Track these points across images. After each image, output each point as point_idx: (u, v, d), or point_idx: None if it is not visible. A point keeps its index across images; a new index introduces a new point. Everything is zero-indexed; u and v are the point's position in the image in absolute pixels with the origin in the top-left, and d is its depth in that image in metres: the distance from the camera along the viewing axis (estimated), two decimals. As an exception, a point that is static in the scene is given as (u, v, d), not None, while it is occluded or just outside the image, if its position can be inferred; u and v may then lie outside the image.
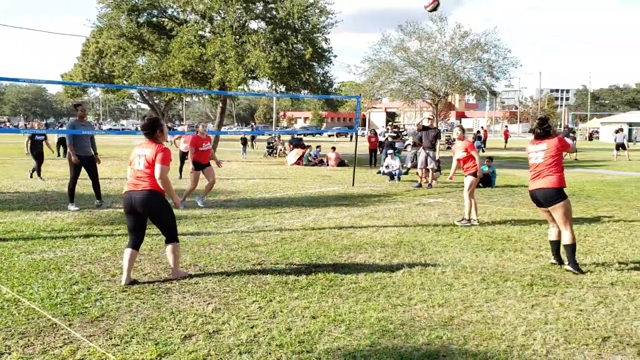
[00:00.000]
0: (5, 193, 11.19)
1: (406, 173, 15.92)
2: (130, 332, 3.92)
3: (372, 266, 5.78)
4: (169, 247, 5.19)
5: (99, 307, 4.44)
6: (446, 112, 45.27)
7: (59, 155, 22.04)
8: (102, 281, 5.13)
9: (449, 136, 41.48)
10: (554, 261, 5.93)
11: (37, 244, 6.59)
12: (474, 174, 8.41)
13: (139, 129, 5.94)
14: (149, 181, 5.02)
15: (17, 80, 10.30)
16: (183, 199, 9.63)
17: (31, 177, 13.77)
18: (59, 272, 5.41)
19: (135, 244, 5.14)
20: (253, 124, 71.38)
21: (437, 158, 13.42)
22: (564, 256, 5.81)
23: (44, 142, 14.07)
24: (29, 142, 13.92)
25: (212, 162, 10.30)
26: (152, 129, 5.16)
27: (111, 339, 3.82)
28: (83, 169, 9.44)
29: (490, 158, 14.75)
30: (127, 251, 5.08)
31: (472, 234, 7.53)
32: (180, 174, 14.69)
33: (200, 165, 9.75)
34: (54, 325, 4.04)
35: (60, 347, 3.68)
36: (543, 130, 5.83)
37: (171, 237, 5.19)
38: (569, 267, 5.65)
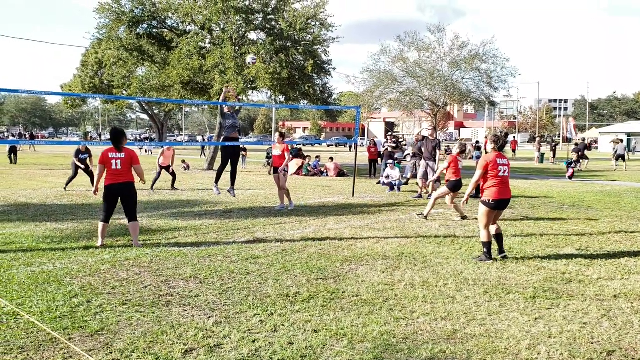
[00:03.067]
0: (5, 204, 11.14)
1: (406, 183, 15.90)
2: (131, 347, 3.88)
3: (374, 278, 5.75)
4: (133, 223, 7.13)
5: (99, 320, 4.40)
6: (445, 122, 45.38)
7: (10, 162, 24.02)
8: (102, 294, 5.09)
9: (449, 146, 41.59)
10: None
11: (37, 256, 6.55)
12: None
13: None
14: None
15: (16, 91, 10.28)
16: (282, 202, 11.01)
17: (65, 189, 13.71)
18: (59, 284, 5.37)
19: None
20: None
21: (436, 168, 13.40)
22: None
23: (87, 160, 14.06)
24: (76, 159, 13.87)
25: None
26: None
27: (111, 353, 3.78)
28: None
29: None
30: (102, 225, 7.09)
31: (473, 246, 7.50)
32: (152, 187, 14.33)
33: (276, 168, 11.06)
34: (54, 340, 4.00)
35: (60, 362, 3.64)
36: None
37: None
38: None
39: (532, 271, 6.13)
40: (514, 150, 39.48)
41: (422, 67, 32.51)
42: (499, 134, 6.93)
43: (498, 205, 6.60)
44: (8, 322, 4.34)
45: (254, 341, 4.02)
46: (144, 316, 4.52)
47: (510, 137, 40.57)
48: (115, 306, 4.75)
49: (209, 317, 4.53)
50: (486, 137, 46.48)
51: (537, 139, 36.68)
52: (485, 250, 6.63)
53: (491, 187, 6.59)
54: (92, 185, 13.76)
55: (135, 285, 5.38)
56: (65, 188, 13.78)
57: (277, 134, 11.60)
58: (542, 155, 32.20)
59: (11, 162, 24.57)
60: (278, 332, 4.21)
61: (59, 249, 6.98)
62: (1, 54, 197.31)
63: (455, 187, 9.99)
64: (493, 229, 6.70)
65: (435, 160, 13.29)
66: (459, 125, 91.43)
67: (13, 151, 25.37)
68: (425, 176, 13.30)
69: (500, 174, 6.59)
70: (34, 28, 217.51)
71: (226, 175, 10.69)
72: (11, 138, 54.32)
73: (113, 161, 7.00)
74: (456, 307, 4.87)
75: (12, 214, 9.81)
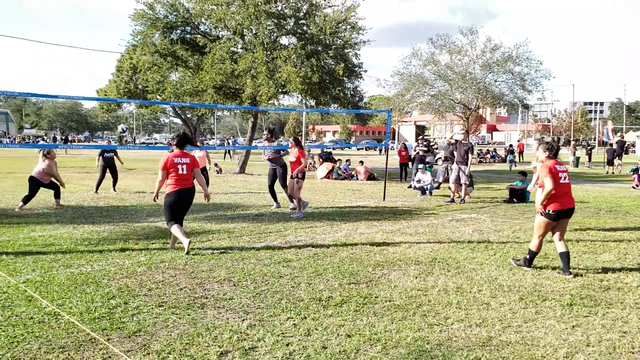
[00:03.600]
0: (44, 207, 11.46)
1: (438, 188, 15.77)
2: (167, 348, 3.95)
3: (407, 284, 5.72)
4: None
5: (136, 321, 4.49)
6: (477, 125, 44.80)
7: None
8: (138, 295, 5.20)
9: (481, 150, 41.05)
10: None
11: (75, 258, 6.72)
12: None
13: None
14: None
15: (55, 96, 10.60)
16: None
17: (96, 192, 14.07)
18: (97, 286, 5.50)
19: None
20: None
21: (468, 173, 13.25)
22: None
23: (114, 157, 14.49)
24: (100, 158, 14.32)
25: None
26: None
27: (149, 354, 3.85)
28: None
29: (524, 173, 14.50)
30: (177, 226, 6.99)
31: (507, 251, 7.40)
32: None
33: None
34: (93, 340, 4.10)
35: (100, 361, 3.73)
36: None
37: None
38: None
39: (569, 278, 6.01)
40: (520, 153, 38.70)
41: (454, 69, 32.20)
42: (552, 139, 6.58)
43: (559, 216, 6.13)
44: (49, 321, 4.46)
45: (287, 344, 4.05)
46: (180, 318, 4.60)
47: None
48: (152, 308, 4.84)
49: (243, 319, 4.58)
50: (519, 141, 45.71)
51: (572, 142, 35.94)
52: (528, 257, 6.37)
53: (551, 197, 6.08)
54: (112, 186, 14.17)
55: (171, 288, 5.47)
56: (96, 191, 14.06)
57: (291, 139, 11.57)
58: (577, 159, 31.51)
59: None
60: (311, 336, 4.23)
61: (97, 250, 7.15)
62: (40, 60, 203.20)
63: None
64: (560, 246, 6.20)
65: (467, 164, 13.13)
66: (492, 129, 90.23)
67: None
68: (458, 180, 13.17)
69: (561, 181, 6.12)
70: (67, 33, 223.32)
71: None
72: (41, 142, 55.89)
73: (179, 166, 6.98)
74: (491, 313, 4.81)
75: (51, 217, 10.09)
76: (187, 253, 6.85)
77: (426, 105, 35.30)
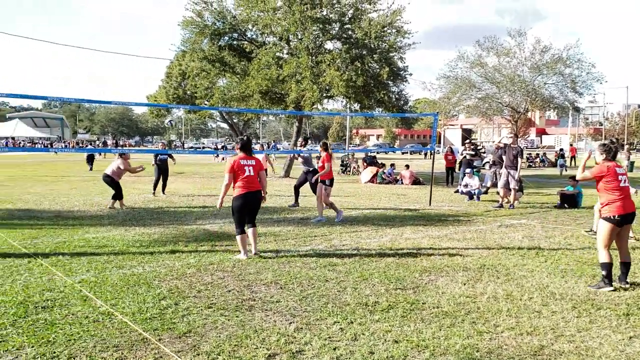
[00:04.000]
0: (97, 209, 11.87)
1: (485, 192, 15.47)
2: (217, 349, 4.02)
3: (455, 290, 5.63)
4: (254, 229, 7.20)
5: (186, 322, 4.59)
6: (526, 128, 43.69)
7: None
8: (188, 297, 5.31)
9: (531, 154, 40.04)
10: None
11: (127, 259, 6.93)
12: None
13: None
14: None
15: (108, 102, 10.98)
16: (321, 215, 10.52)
17: (154, 194, 14.52)
18: (148, 286, 5.65)
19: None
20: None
21: (518, 177, 12.94)
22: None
23: (167, 160, 15.00)
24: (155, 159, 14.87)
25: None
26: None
27: (198, 355, 3.93)
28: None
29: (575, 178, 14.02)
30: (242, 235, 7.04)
31: (559, 258, 7.19)
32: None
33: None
34: (145, 340, 4.21)
35: (152, 361, 3.83)
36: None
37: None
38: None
39: (625, 287, 5.78)
40: (573, 157, 37.24)
41: (502, 72, 31.60)
42: (609, 141, 6.21)
43: (624, 221, 5.78)
44: (104, 321, 4.61)
45: (334, 349, 4.06)
46: (229, 320, 4.67)
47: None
48: (201, 309, 4.94)
49: (290, 322, 4.61)
50: (572, 145, 44.31)
51: (626, 146, 34.59)
52: (604, 273, 5.73)
53: (614, 202, 5.76)
54: (158, 189, 14.52)
55: (220, 289, 5.57)
56: (153, 193, 14.48)
57: (320, 143, 11.45)
58: (632, 163, 30.30)
59: (90, 170, 26.45)
60: (358, 341, 4.22)
61: (148, 252, 7.34)
62: (94, 67, 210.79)
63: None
64: (622, 255, 5.94)
65: (516, 169, 12.81)
66: (541, 132, 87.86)
67: (90, 159, 27.57)
68: (507, 185, 12.87)
69: (622, 184, 5.83)
70: (128, 43, 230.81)
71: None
72: (89, 146, 57.89)
73: (246, 168, 6.98)
74: (543, 322, 4.68)
75: (104, 219, 10.43)
76: (249, 257, 7.03)
77: (473, 108, 34.77)
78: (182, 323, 4.57)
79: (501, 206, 12.85)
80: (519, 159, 12.91)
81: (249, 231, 7.12)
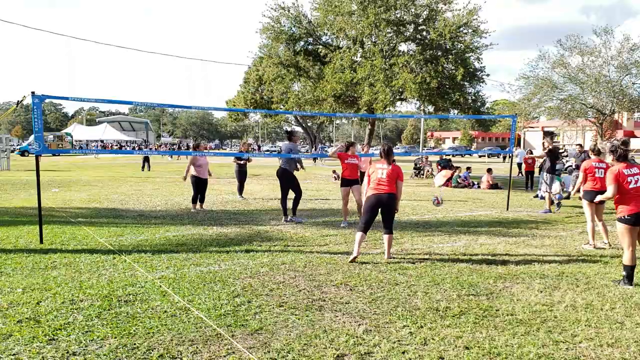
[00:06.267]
0: (177, 209, 12.40)
1: (567, 197, 14.79)
2: (287, 347, 4.11)
3: (531, 298, 5.44)
4: (389, 236, 7.13)
5: (258, 320, 4.72)
6: (612, 131, 41.28)
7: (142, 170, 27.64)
8: (261, 295, 5.45)
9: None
10: None
11: (204, 257, 7.20)
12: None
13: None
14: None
15: (189, 107, 11.44)
16: (344, 219, 10.29)
17: (240, 196, 14.99)
18: (223, 284, 5.85)
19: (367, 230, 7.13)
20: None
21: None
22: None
23: (246, 163, 15.43)
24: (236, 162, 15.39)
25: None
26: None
27: (269, 352, 4.03)
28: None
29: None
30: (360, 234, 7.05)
31: (647, 268, 6.76)
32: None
33: (348, 181, 10.17)
34: (219, 335, 4.37)
35: (224, 356, 3.97)
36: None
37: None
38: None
39: None
40: None
41: (586, 72, 30.08)
42: (616, 142, 6.15)
43: (637, 220, 5.87)
44: (181, 316, 4.83)
45: (403, 352, 4.04)
46: (299, 319, 4.76)
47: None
48: (273, 307, 5.06)
49: (359, 324, 4.63)
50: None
51: None
52: (625, 274, 5.99)
53: (624, 202, 5.93)
54: (238, 192, 14.87)
55: (291, 289, 5.68)
56: (241, 196, 14.80)
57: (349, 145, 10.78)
58: None
59: (142, 170, 27.98)
60: (428, 346, 4.17)
61: (224, 251, 7.60)
62: (178, 73, 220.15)
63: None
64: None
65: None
66: (629, 135, 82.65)
67: (146, 160, 29.00)
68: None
69: (631, 185, 5.90)
70: (210, 50, 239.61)
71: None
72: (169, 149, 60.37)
73: (379, 170, 7.22)
74: (625, 333, 4.43)
75: (184, 218, 10.88)
76: (352, 261, 6.95)
77: (555, 110, 33.28)
78: (254, 320, 4.70)
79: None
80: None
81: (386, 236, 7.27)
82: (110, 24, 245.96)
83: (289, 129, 12.26)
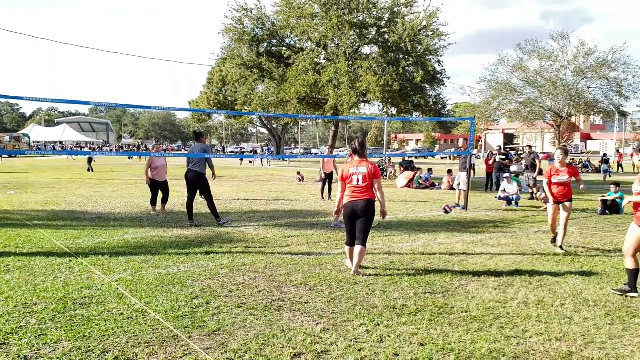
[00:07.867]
0: (138, 211, 12.21)
1: (531, 198, 15.27)
2: (244, 347, 4.12)
3: (485, 295, 5.59)
4: (360, 248, 6.35)
5: (216, 321, 4.71)
6: (570, 133, 42.52)
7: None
8: (219, 296, 5.44)
9: (574, 160, 38.98)
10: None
11: (163, 259, 7.12)
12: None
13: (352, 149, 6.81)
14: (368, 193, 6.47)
15: (150, 108, 11.29)
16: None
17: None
18: (182, 286, 5.81)
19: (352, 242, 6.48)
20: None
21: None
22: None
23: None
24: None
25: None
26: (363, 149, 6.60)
27: (226, 352, 4.03)
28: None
29: (617, 184, 13.64)
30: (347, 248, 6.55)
31: (596, 265, 7.02)
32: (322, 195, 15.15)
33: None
34: (176, 337, 4.34)
35: (181, 357, 3.95)
36: None
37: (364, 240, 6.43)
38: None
39: (664, 295, 5.61)
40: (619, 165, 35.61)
41: (544, 76, 30.99)
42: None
43: None
44: (137, 318, 4.77)
45: (359, 350, 4.10)
46: (257, 319, 4.77)
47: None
48: (231, 308, 5.06)
49: (317, 323, 4.68)
50: (618, 150, 42.89)
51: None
52: (629, 279, 5.71)
53: None
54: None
55: (250, 290, 5.68)
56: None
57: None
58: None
59: (89, 171, 28.52)
60: (384, 343, 4.25)
61: (183, 253, 7.54)
62: (140, 74, 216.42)
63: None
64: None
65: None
66: (586, 137, 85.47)
67: (90, 162, 29.87)
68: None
69: None
70: (170, 50, 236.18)
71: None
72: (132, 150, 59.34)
73: (354, 176, 6.50)
74: (573, 328, 4.60)
75: (144, 220, 10.73)
76: (354, 274, 6.39)
77: (514, 112, 34.20)
78: (212, 321, 4.69)
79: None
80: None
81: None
82: (72, 24, 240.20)
83: (197, 130, 12.00)
